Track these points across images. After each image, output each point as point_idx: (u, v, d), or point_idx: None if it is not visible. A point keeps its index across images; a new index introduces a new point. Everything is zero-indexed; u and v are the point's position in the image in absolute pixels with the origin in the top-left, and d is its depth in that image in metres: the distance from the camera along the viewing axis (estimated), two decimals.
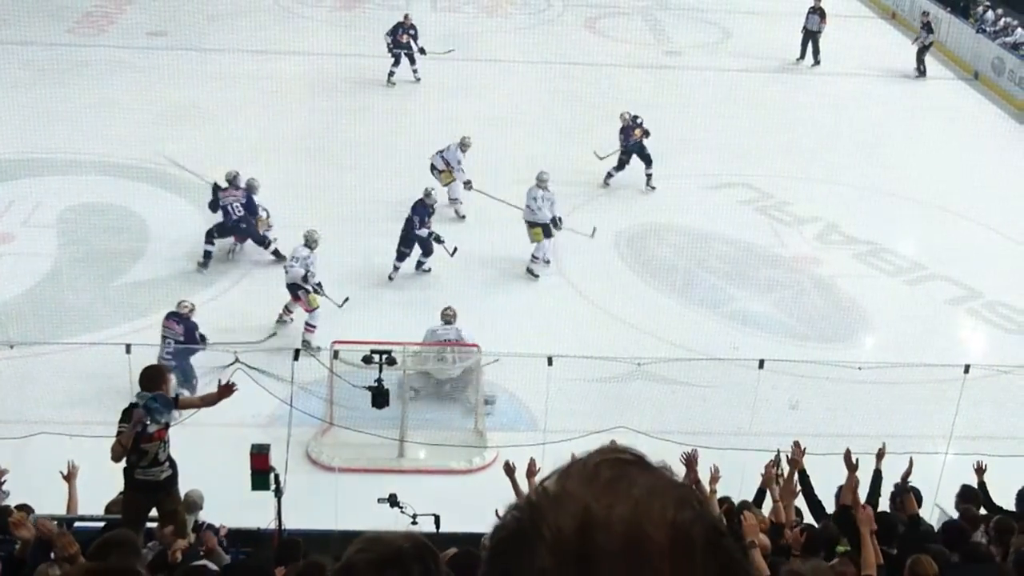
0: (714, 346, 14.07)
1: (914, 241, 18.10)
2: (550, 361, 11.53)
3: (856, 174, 20.11)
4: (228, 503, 9.45)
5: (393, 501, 9.07)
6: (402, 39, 22.72)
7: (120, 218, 17.04)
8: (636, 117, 18.66)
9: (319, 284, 14.17)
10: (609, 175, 18.84)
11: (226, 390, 8.77)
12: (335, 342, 12.69)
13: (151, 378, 8.69)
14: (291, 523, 9.61)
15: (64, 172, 18.43)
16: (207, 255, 15.81)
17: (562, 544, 1.07)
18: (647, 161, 18.71)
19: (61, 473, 8.95)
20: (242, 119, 20.29)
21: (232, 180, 15.92)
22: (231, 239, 16.10)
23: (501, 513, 1.19)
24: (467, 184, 17.24)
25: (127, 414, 8.53)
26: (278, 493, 9.39)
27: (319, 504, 10.41)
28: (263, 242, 15.95)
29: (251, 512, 9.36)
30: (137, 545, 5.61)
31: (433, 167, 17.37)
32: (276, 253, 15.76)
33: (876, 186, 19.73)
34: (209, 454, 10.50)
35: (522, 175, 17.18)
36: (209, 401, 8.91)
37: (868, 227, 18.07)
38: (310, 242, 14.10)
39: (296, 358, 11.47)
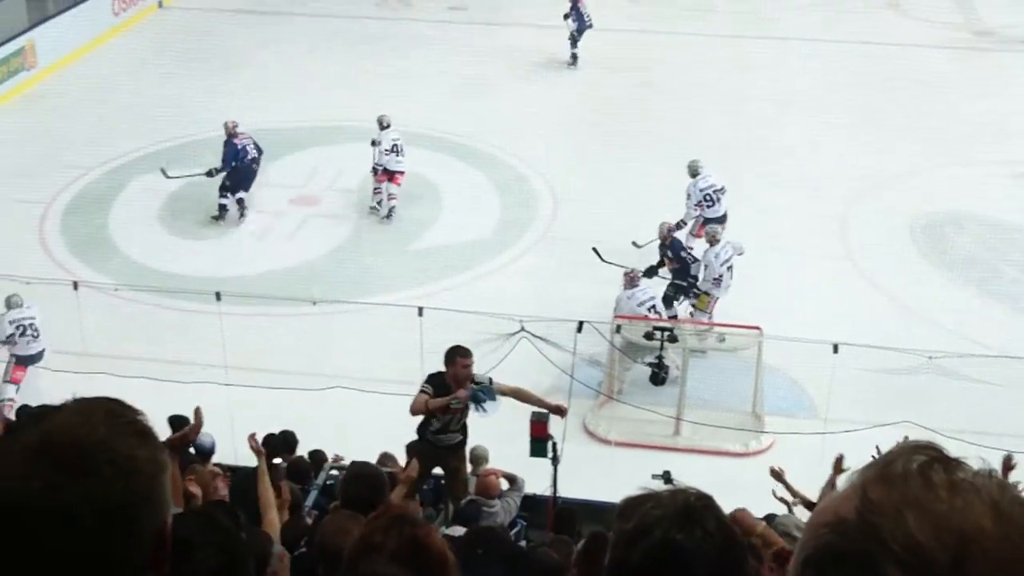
0: (1015, 344, 13.31)
1: None
2: (836, 348, 11.25)
3: None
4: (506, 467, 9.69)
5: (667, 478, 9.08)
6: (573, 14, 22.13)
7: (416, 186, 17.69)
8: None
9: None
10: None
11: (557, 410, 9.15)
12: (617, 316, 12.81)
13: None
14: (565, 492, 9.79)
15: (367, 140, 19.27)
16: (223, 208, 16.72)
17: (927, 563, 0.95)
18: None
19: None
20: (535, 93, 20.66)
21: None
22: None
23: (806, 532, 1.08)
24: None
25: (436, 379, 8.90)
26: (555, 461, 9.58)
27: (593, 475, 10.55)
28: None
29: (528, 479, 9.58)
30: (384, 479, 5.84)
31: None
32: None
33: None
34: (490, 418, 10.79)
35: (804, 159, 16.75)
36: (525, 398, 9.20)
37: None
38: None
39: (579, 330, 11.63)
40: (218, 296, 12.23)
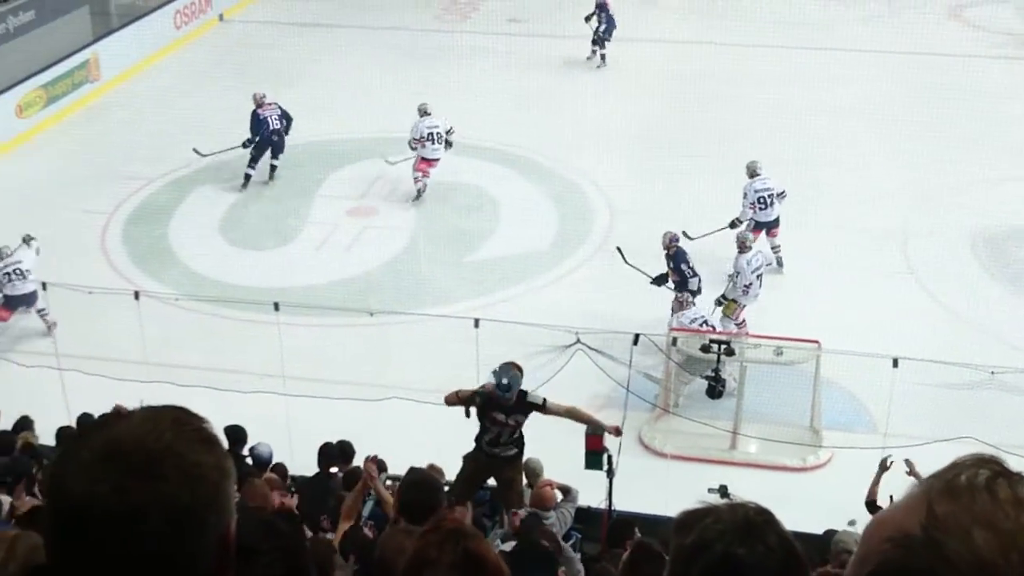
0: None
1: None
2: (895, 363, 11.12)
3: None
4: (560, 479, 9.69)
5: (723, 492, 9.06)
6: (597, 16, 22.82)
7: (473, 198, 17.78)
8: None
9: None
10: None
11: (614, 431, 9.20)
12: (673, 329, 12.77)
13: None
14: (621, 504, 9.78)
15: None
16: (247, 178, 18.23)
17: None
18: None
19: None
20: (592, 105, 20.65)
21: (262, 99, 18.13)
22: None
23: (866, 543, 1.07)
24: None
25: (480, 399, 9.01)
26: (610, 474, 9.58)
27: (649, 488, 10.51)
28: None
29: (583, 491, 9.57)
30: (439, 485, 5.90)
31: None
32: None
33: None
34: (545, 430, 10.81)
35: (862, 172, 16.59)
36: (580, 418, 9.24)
37: None
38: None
39: (635, 343, 11.61)
40: (276, 306, 12.34)
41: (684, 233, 14.89)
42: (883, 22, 24.68)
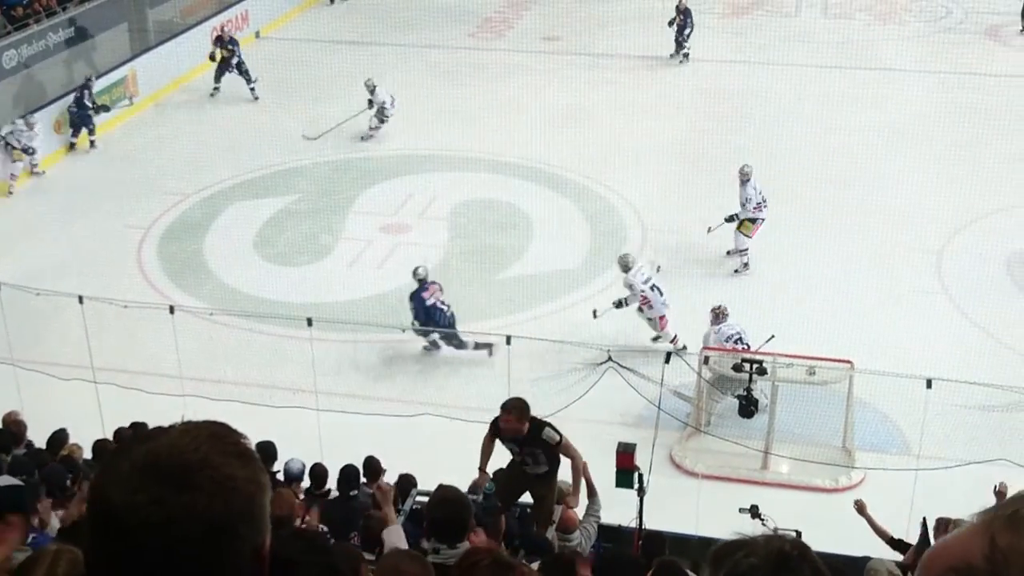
0: None
1: None
2: (929, 384, 11.05)
3: None
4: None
5: (754, 512, 9.02)
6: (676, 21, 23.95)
7: (507, 215, 17.82)
8: None
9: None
10: None
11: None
12: (705, 348, 12.75)
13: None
14: (651, 523, 9.74)
15: (459, 169, 19.50)
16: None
17: None
18: None
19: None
20: (626, 123, 20.66)
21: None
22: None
23: (924, 573, 1.06)
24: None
25: (495, 424, 8.87)
26: (641, 493, 9.54)
27: (680, 507, 10.49)
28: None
29: (614, 509, 9.55)
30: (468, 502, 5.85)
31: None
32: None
33: None
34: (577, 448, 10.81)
35: (900, 192, 16.54)
36: (576, 476, 8.97)
37: None
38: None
39: (667, 361, 11.60)
40: (309, 322, 12.40)
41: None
42: (922, 41, 24.62)
